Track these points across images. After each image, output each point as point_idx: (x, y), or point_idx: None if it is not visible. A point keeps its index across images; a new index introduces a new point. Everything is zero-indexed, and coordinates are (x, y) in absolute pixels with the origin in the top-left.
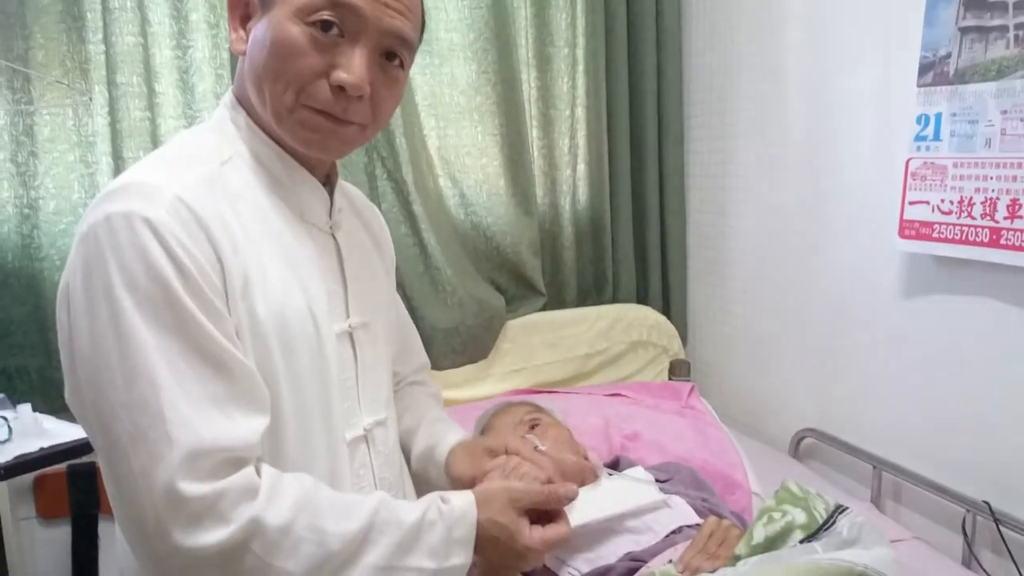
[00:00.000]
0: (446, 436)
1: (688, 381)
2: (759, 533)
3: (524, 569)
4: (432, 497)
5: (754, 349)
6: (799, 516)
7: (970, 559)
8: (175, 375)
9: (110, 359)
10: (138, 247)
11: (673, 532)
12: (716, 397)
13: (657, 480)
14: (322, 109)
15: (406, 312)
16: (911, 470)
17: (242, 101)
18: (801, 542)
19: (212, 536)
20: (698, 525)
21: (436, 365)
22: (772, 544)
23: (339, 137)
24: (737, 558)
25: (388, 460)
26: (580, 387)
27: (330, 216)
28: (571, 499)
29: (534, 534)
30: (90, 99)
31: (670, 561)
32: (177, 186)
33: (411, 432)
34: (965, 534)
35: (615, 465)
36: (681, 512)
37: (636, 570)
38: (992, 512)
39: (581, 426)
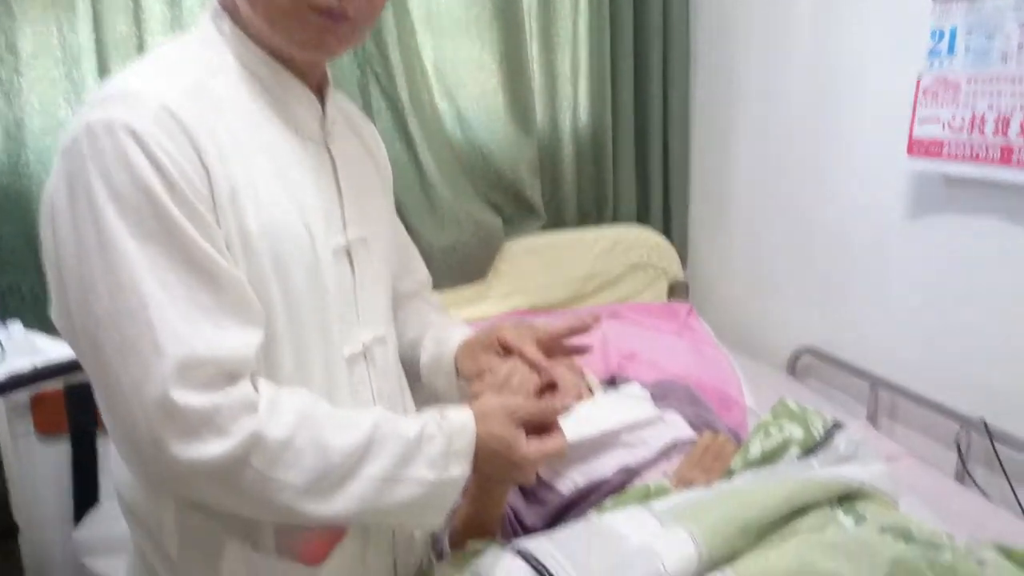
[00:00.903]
0: (450, 340)
1: (686, 303)
2: (755, 448)
3: (519, 482)
4: (431, 413)
5: (754, 270)
6: (796, 432)
7: (963, 475)
8: (163, 286)
9: (95, 272)
10: (122, 157)
11: (668, 446)
12: (714, 318)
13: (652, 396)
14: (320, 5)
15: (404, 229)
16: (908, 388)
17: (227, 8)
18: (798, 458)
19: (211, 449)
20: (693, 440)
21: (433, 285)
22: (768, 459)
23: (336, 35)
24: (732, 472)
25: (387, 377)
26: (578, 308)
27: (323, 127)
28: (566, 412)
29: (532, 445)
30: (73, 12)
31: (665, 474)
32: (162, 94)
33: (416, 344)
34: (959, 451)
35: (611, 383)
36: (676, 427)
37: (630, 482)
38: (987, 429)
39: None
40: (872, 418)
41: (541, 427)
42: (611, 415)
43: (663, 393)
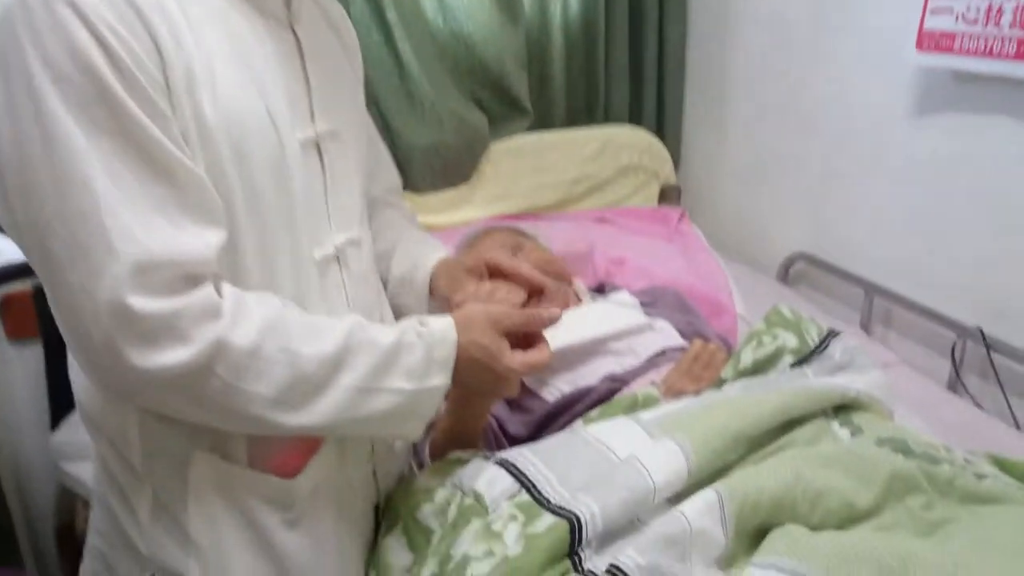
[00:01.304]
0: (425, 258)
1: (678, 207)
2: (747, 356)
3: (503, 395)
4: (410, 320)
5: (749, 173)
6: (790, 340)
7: (956, 384)
8: (113, 179)
9: (38, 165)
10: (61, 33)
11: (656, 354)
12: (706, 223)
13: (642, 304)
14: None
15: (374, 128)
16: (903, 295)
17: None
18: (791, 367)
19: (171, 356)
20: (683, 348)
21: (414, 187)
22: (760, 368)
23: None
24: (723, 381)
25: (363, 282)
26: (566, 212)
27: (288, 6)
28: (553, 322)
29: (515, 357)
30: None
31: (653, 383)
32: None
33: (385, 256)
34: (954, 359)
35: (599, 290)
36: (665, 335)
37: (617, 391)
38: (984, 338)
39: (567, 255)
40: (866, 326)
41: (526, 338)
42: (599, 323)
43: (652, 300)
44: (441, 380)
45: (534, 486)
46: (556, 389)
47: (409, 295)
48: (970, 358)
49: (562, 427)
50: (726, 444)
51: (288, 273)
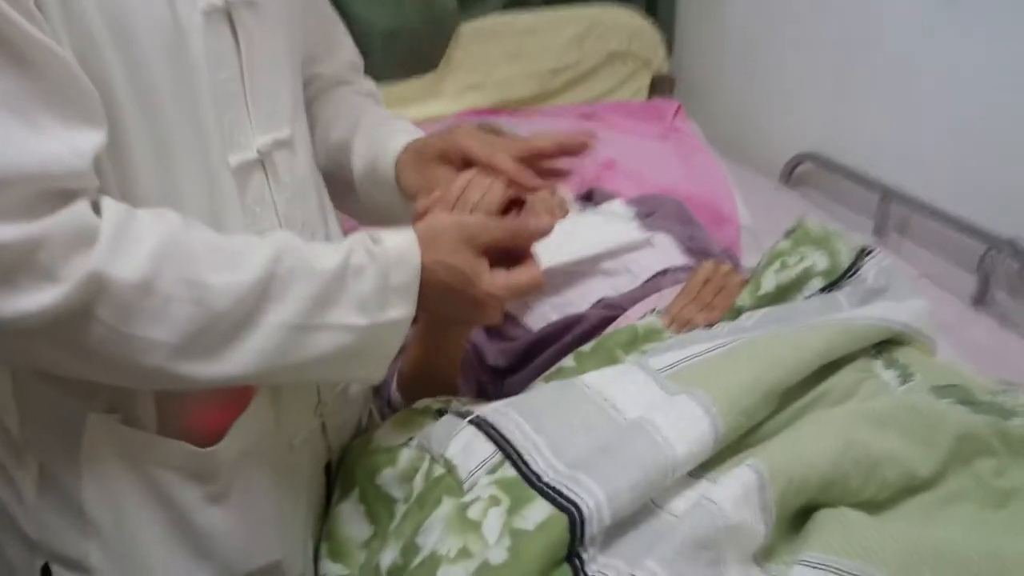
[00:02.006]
0: (389, 142)
1: (672, 100)
2: (769, 280)
3: (482, 323)
4: (358, 237)
5: (750, 61)
6: (820, 260)
7: (983, 299)
8: None
9: None
10: None
11: (657, 275)
12: (703, 118)
13: (637, 215)
14: None
15: None
16: (924, 200)
17: None
18: (821, 291)
19: (34, 299)
20: (686, 268)
21: (374, 76)
22: (784, 294)
23: None
24: (739, 311)
25: (298, 194)
26: (546, 107)
27: None
28: (544, 234)
29: (496, 279)
30: None
31: (654, 311)
32: None
33: (345, 147)
34: (982, 273)
35: (588, 198)
36: (666, 251)
37: (612, 319)
38: (1016, 249)
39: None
40: (879, 233)
41: (508, 255)
42: (589, 238)
43: (649, 210)
44: (402, 311)
45: (520, 457)
46: (541, 316)
47: (379, 189)
48: (998, 273)
49: (548, 362)
50: (757, 402)
51: (195, 185)
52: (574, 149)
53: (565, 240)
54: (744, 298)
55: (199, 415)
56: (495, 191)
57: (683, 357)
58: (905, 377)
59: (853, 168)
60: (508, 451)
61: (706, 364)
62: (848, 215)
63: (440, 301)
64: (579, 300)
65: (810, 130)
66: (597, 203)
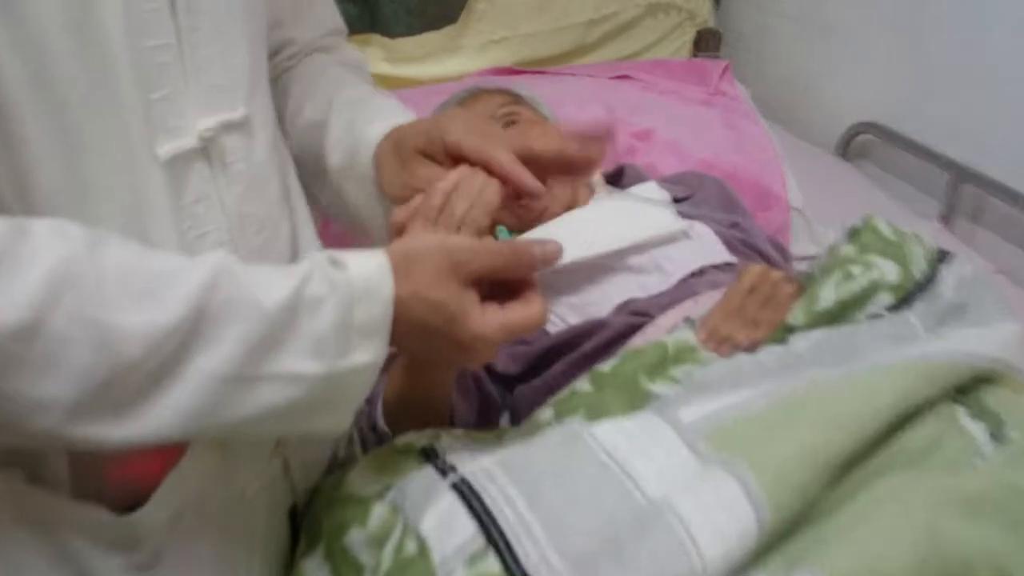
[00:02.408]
0: (369, 129)
1: (718, 58)
2: (828, 294)
3: (470, 366)
4: (316, 261)
5: (808, 17)
6: (890, 271)
7: None
8: None
9: None
10: None
11: (692, 274)
12: (753, 80)
13: (674, 199)
14: None
15: None
16: (1004, 183)
17: None
18: (888, 310)
19: None
20: (726, 266)
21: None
22: (844, 312)
23: None
24: (789, 330)
25: (255, 186)
26: (577, 66)
27: None
28: (548, 263)
29: (487, 317)
30: None
31: (688, 319)
32: None
33: (318, 131)
34: None
35: (618, 177)
36: (705, 246)
37: (638, 327)
38: None
39: (576, 121)
40: (948, 219)
41: (505, 284)
42: (615, 227)
43: (687, 191)
44: (368, 355)
45: (508, 545)
46: (558, 317)
47: (361, 191)
48: None
49: (563, 373)
50: (814, 477)
51: (112, 184)
52: (577, 166)
53: (587, 230)
54: (797, 315)
55: (123, 469)
56: (487, 198)
57: (720, 407)
58: (998, 434)
59: (920, 142)
60: (493, 535)
61: (750, 423)
62: (912, 195)
63: (416, 342)
64: (602, 300)
65: (872, 97)
66: (627, 184)
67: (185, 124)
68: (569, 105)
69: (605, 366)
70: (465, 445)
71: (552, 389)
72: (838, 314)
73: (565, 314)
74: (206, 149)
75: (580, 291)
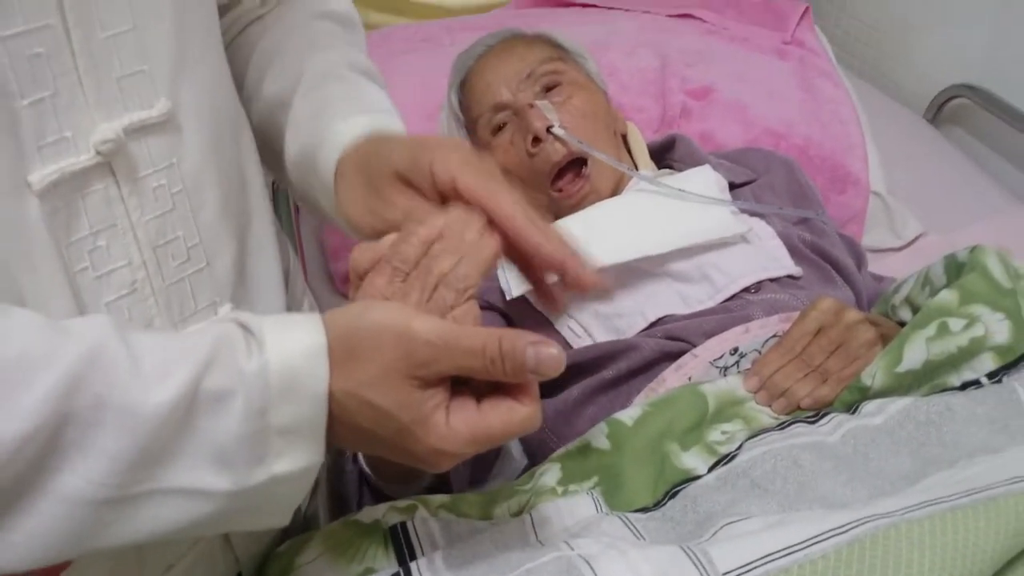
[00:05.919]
0: (336, 127)
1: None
2: (916, 352)
3: (434, 471)
4: (223, 338)
5: None
6: (998, 328)
7: None
8: None
9: None
10: None
11: (746, 290)
12: (835, 29)
13: (732, 185)
14: None
15: None
16: None
17: None
18: (990, 376)
19: None
20: (790, 279)
21: None
22: (934, 374)
23: None
24: (863, 390)
25: (180, 205)
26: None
27: None
28: (548, 375)
29: (455, 425)
30: None
31: (736, 352)
32: None
33: (281, 109)
34: None
35: (668, 150)
36: (765, 252)
37: (672, 355)
38: None
39: (623, 73)
40: None
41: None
42: (656, 224)
43: (749, 174)
44: (297, 462)
45: None
46: (583, 330)
47: (322, 195)
48: None
49: (579, 402)
50: None
51: None
52: (571, 275)
53: (624, 227)
54: (875, 373)
55: None
56: (482, 255)
57: (766, 553)
58: None
59: (1020, 109)
60: None
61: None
62: (1009, 170)
63: (361, 446)
64: (634, 312)
65: (971, 56)
66: (678, 165)
67: (76, 135)
68: (615, 51)
69: (628, 415)
70: (441, 528)
71: (563, 416)
72: (925, 377)
73: (589, 324)
74: (109, 164)
75: (611, 299)
